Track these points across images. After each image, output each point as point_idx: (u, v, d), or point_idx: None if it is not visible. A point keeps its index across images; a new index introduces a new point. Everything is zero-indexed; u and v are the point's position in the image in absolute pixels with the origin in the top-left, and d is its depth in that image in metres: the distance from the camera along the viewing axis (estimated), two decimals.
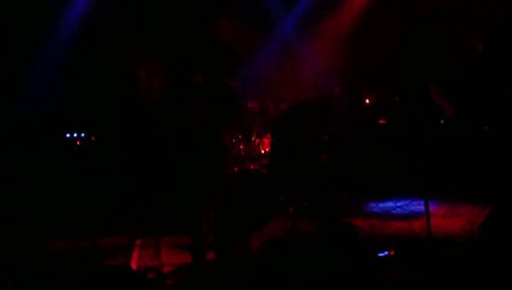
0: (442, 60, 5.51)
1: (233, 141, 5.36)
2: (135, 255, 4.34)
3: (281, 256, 3.18)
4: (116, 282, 2.87)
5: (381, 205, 5.82)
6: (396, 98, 6.25)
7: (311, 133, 5.26)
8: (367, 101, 6.47)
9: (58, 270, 3.11)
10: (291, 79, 6.30)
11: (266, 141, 5.46)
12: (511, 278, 3.10)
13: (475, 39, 4.88)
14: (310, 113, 5.03)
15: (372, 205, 5.85)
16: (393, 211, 5.48)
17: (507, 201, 4.60)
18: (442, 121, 4.94)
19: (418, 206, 5.52)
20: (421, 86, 5.16)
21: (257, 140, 5.43)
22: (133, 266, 3.98)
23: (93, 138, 5.21)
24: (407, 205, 5.62)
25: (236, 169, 4.99)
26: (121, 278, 2.93)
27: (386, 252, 3.78)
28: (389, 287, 3.16)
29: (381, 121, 6.47)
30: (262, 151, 5.50)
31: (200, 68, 3.99)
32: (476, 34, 5.04)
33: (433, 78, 4.97)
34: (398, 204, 5.68)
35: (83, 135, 5.12)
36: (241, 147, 5.38)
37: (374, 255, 3.67)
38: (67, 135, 5.16)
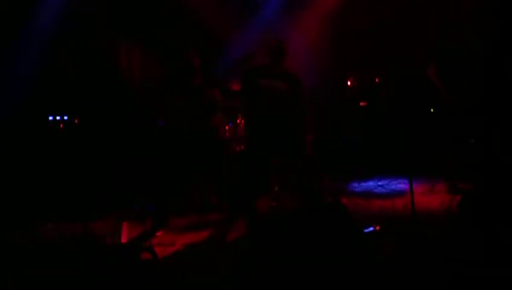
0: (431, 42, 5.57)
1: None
2: (124, 237, 4.34)
3: (271, 236, 3.24)
4: (112, 261, 2.89)
5: (363, 184, 5.97)
6: (376, 80, 6.36)
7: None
8: (349, 83, 6.55)
9: (53, 254, 3.10)
10: None
11: None
12: (488, 251, 3.26)
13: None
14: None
15: (354, 184, 6.00)
16: (375, 190, 5.63)
17: (483, 179, 4.81)
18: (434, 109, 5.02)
19: (398, 185, 5.72)
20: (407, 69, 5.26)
21: (242, 122, 5.45)
22: None
23: (76, 121, 5.13)
24: (387, 184, 5.79)
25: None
26: (117, 258, 2.95)
27: (372, 228, 3.90)
28: (378, 261, 3.27)
29: (362, 104, 6.58)
30: None
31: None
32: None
33: (433, 59, 5.02)
34: (379, 183, 5.84)
35: (66, 117, 5.04)
36: (227, 128, 5.41)
37: (361, 231, 3.78)
38: (50, 118, 5.07)
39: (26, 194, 4.94)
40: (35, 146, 5.00)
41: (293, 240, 3.15)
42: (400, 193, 5.33)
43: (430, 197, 5.08)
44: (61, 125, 5.05)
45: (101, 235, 4.33)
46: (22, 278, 2.84)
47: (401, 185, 5.70)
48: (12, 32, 5.55)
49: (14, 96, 5.28)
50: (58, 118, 5.07)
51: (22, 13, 5.61)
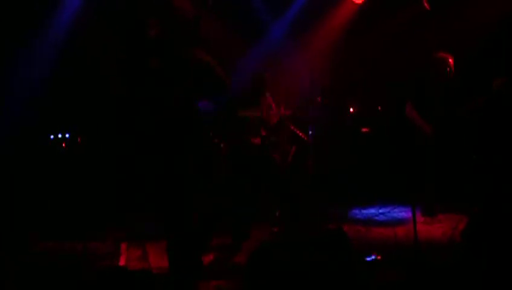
0: (418, 73, 5.67)
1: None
2: (122, 259, 4.29)
3: (272, 262, 3.20)
4: (111, 283, 2.85)
5: (364, 211, 5.93)
6: (379, 107, 6.39)
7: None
8: (351, 109, 6.59)
9: (50, 273, 3.06)
10: (277, 86, 6.37)
11: None
12: (493, 279, 3.23)
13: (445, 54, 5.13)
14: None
15: (355, 211, 5.96)
16: (376, 218, 5.60)
17: (486, 208, 4.78)
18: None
19: (400, 213, 5.69)
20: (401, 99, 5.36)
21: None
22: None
23: (79, 140, 5.12)
24: (389, 211, 5.76)
25: None
26: (115, 280, 2.91)
27: (373, 257, 3.86)
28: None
29: (364, 130, 6.59)
30: None
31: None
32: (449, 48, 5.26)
33: (410, 95, 5.21)
34: (380, 211, 5.81)
35: (67, 135, 5.03)
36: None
37: (362, 259, 3.74)
38: (51, 137, 5.06)
39: (26, 212, 4.91)
40: (35, 164, 4.98)
41: (293, 268, 3.12)
42: (401, 221, 5.30)
43: (432, 225, 5.05)
44: (63, 144, 5.04)
45: (100, 256, 4.29)
46: None
47: (402, 213, 5.68)
48: (13, 50, 5.60)
49: (16, 112, 5.30)
50: (59, 135, 5.05)
51: (23, 32, 5.68)
